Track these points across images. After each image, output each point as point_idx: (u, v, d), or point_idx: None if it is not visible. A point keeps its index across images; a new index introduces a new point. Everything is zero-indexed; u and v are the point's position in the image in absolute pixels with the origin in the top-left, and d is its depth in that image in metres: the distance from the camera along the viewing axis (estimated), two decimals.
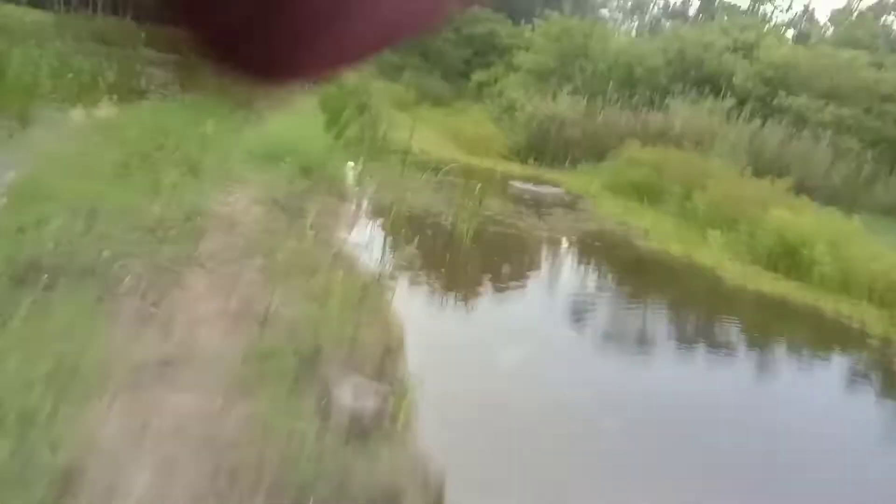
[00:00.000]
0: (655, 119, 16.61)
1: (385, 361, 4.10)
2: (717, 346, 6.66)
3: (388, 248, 7.56)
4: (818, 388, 6.08)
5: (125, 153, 6.15)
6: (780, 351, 6.87)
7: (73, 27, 24.27)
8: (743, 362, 6.35)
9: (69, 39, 16.77)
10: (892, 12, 28.31)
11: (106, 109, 6.61)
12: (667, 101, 17.54)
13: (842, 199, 13.94)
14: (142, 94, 12.42)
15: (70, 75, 11.71)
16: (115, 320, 3.70)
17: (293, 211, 6.81)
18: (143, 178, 5.77)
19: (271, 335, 3.78)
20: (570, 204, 12.13)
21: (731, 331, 7.24)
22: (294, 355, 3.60)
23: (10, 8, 23.42)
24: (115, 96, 7.82)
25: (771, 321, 7.67)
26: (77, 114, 6.65)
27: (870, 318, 7.78)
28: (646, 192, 13.00)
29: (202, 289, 4.32)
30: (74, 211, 4.66)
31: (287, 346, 3.67)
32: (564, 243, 9.79)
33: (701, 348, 6.50)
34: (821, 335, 7.42)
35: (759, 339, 7.03)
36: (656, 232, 10.73)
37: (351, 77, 23.45)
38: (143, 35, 22.48)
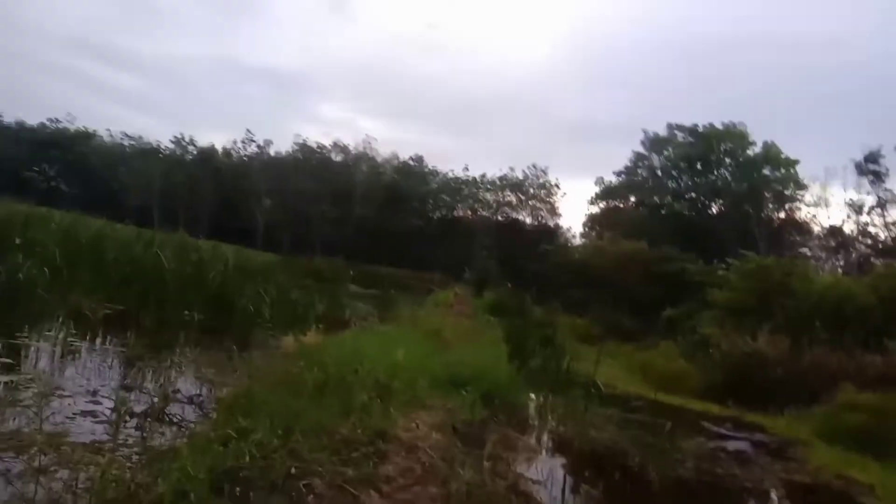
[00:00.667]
0: (873, 360, 15.03)
1: None
2: None
3: (568, 487, 7.16)
4: None
5: (324, 375, 6.63)
6: None
7: (295, 266, 28.01)
8: None
9: (289, 276, 19.15)
10: None
11: (313, 336, 7.29)
12: (885, 341, 15.94)
13: None
14: (345, 323, 13.59)
15: (286, 306, 13.27)
16: None
17: (472, 439, 6.78)
18: (336, 400, 6.13)
19: None
20: (777, 451, 10.91)
21: None
22: None
23: (250, 252, 27.46)
24: (321, 325, 8.66)
25: None
26: (288, 340, 7.39)
27: None
28: (868, 442, 11.43)
29: None
30: (273, 427, 5.00)
31: None
32: (772, 496, 8.66)
33: None
34: None
35: None
36: (884, 490, 9.21)
37: (537, 310, 24.11)
38: (350, 273, 25.32)
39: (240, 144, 75.09)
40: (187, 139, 74.32)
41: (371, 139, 73.31)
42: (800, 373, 15.50)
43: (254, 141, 74.53)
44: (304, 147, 73.20)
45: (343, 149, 73.13)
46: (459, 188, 73.56)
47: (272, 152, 74.83)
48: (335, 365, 7.02)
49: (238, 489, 4.13)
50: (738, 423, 13.51)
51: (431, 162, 76.59)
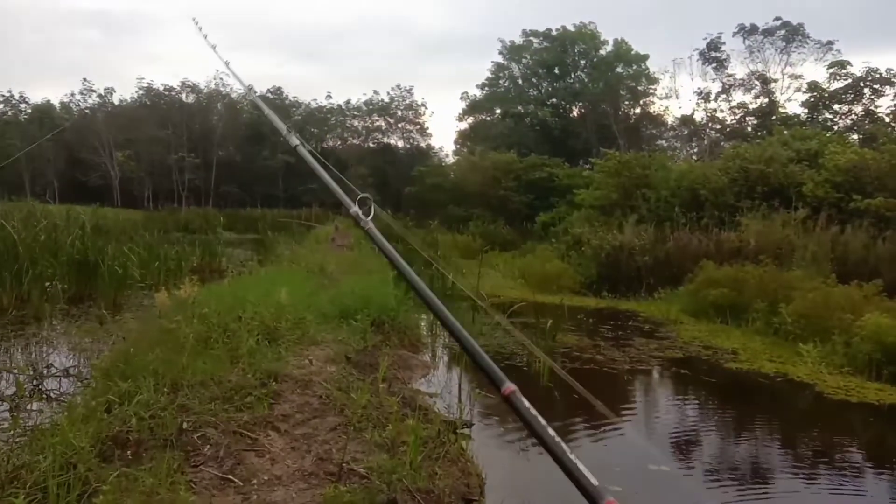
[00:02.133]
0: (728, 238, 16.37)
1: None
2: (836, 468, 6.07)
3: (463, 395, 7.47)
4: None
5: (205, 327, 6.46)
6: None
7: (160, 219, 26.76)
8: (870, 483, 5.76)
9: (156, 231, 18.26)
10: None
11: (188, 289, 7.03)
12: (737, 218, 17.36)
13: None
14: (222, 272, 13.21)
15: (156, 263, 12.68)
16: (195, 489, 3.74)
17: (366, 365, 6.89)
18: (222, 349, 6.01)
19: (347, 490, 3.72)
20: (650, 332, 11.82)
21: (847, 451, 6.64)
22: None
23: (108, 210, 25.81)
24: (196, 277, 8.38)
25: (887, 434, 7.01)
26: (162, 296, 7.09)
27: None
28: (728, 312, 12.59)
29: (277, 450, 4.34)
30: (158, 386, 4.86)
31: (363, 500, 3.59)
32: (649, 374, 9.43)
33: (820, 473, 5.93)
34: None
35: (880, 457, 6.40)
36: (745, 352, 10.26)
37: (418, 232, 24.37)
38: (221, 219, 24.40)
39: (79, 96, 68.92)
40: (17, 97, 67.43)
41: (223, 75, 69.18)
42: (665, 257, 16.69)
43: (93, 91, 68.53)
44: (150, 91, 68.02)
45: (193, 88, 68.65)
46: (325, 118, 71.60)
47: (116, 101, 69.25)
48: (216, 315, 6.84)
49: (129, 452, 4.02)
50: (614, 311, 14.47)
51: (292, 93, 73.91)
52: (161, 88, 68.02)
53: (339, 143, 71.83)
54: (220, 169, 63.36)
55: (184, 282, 7.28)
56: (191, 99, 68.51)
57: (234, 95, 69.71)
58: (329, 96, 72.20)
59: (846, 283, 11.57)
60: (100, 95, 68.64)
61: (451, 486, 4.10)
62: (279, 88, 71.69)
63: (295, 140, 2.96)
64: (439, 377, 8.24)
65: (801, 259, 13.94)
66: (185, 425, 4.43)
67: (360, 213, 2.24)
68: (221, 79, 69.55)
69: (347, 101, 71.36)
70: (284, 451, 4.35)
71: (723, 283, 13.09)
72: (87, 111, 67.59)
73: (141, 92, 68.01)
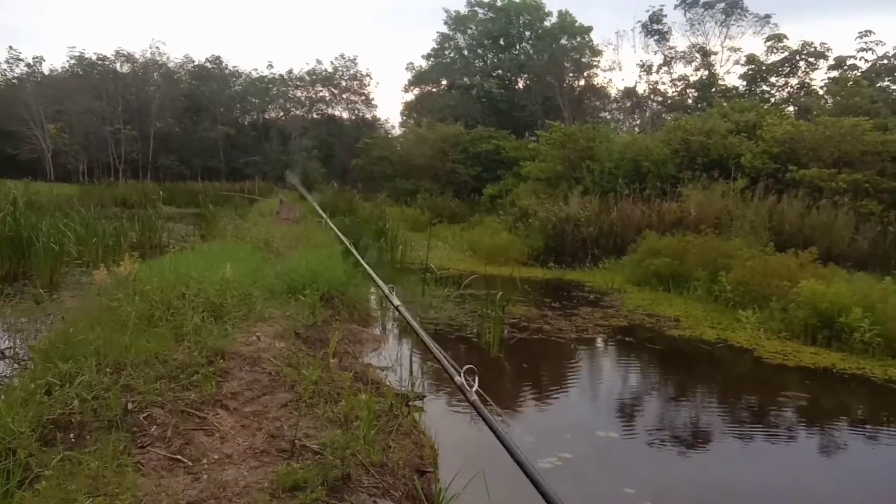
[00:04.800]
0: (670, 208, 16.73)
1: (417, 483, 3.96)
2: (773, 429, 6.33)
3: (414, 367, 7.49)
4: (887, 459, 5.71)
5: (147, 304, 6.27)
6: (839, 426, 6.51)
7: (97, 194, 25.77)
8: (804, 442, 6.03)
9: (93, 206, 17.62)
10: (886, 77, 28.95)
11: (128, 265, 6.79)
12: (678, 189, 17.74)
13: (872, 262, 13.71)
14: (163, 248, 12.87)
15: (94, 240, 12.24)
16: (143, 470, 3.65)
17: (316, 340, 6.82)
18: (166, 327, 5.85)
19: (300, 467, 3.69)
20: (596, 302, 12.04)
21: (783, 411, 6.93)
22: (322, 486, 3.49)
23: (41, 185, 24.80)
24: (136, 253, 8.11)
25: (821, 396, 7.33)
26: (101, 273, 6.84)
27: None
28: (670, 281, 12.91)
29: (227, 429, 4.27)
30: (100, 366, 4.71)
31: (316, 476, 3.57)
32: (595, 342, 9.62)
33: (758, 433, 6.17)
34: (876, 404, 7.06)
35: (814, 417, 6.70)
36: (687, 319, 10.56)
37: (366, 205, 24.20)
38: (161, 193, 23.63)
39: (4, 65, 65.52)
40: None
41: (159, 43, 66.69)
42: (609, 228, 16.97)
43: (21, 59, 65.22)
44: (82, 60, 65.03)
45: (129, 57, 65.88)
46: (267, 88, 69.82)
47: (46, 70, 66.06)
48: (158, 291, 6.64)
49: (72, 436, 3.90)
50: (561, 281, 14.69)
51: (232, 62, 71.75)
52: (94, 58, 65.17)
53: (281, 114, 70.31)
54: (158, 141, 61.34)
55: (123, 258, 7.02)
56: (126, 68, 65.77)
57: (171, 65, 67.43)
58: (270, 66, 70.57)
59: (783, 251, 11.99)
60: (28, 65, 65.46)
61: (405, 459, 4.12)
62: (218, 57, 69.55)
63: (396, 300, 3.01)
64: (390, 350, 8.24)
65: (739, 228, 14.37)
66: (130, 406, 4.32)
67: (464, 383, 2.33)
68: (157, 48, 67.17)
69: (290, 71, 69.83)
70: (234, 430, 4.29)
71: (665, 252, 13.39)
72: (14, 80, 64.36)
73: (73, 61, 65.06)
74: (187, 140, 63.09)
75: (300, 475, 3.57)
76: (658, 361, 8.84)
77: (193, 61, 69.10)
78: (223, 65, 69.57)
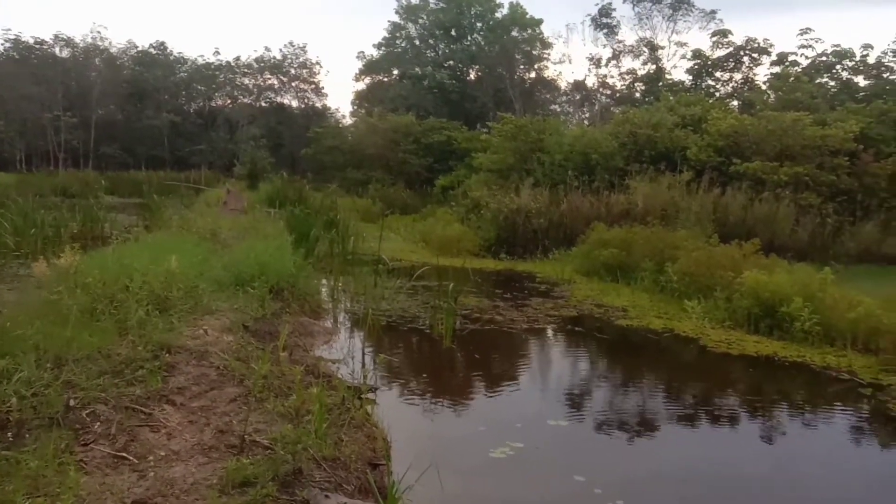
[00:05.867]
0: (618, 200, 16.99)
1: (369, 476, 3.94)
2: (717, 415, 6.51)
3: (366, 360, 7.44)
4: (824, 442, 5.94)
5: (90, 297, 6.07)
6: (779, 412, 6.73)
7: (36, 184, 24.81)
8: (746, 428, 6.21)
9: (30, 196, 16.99)
10: (825, 74, 29.92)
11: (69, 257, 6.56)
12: (626, 181, 18.02)
13: (811, 253, 14.21)
14: (105, 239, 12.48)
15: (33, 231, 11.79)
16: (86, 468, 3.54)
17: (266, 334, 6.72)
18: (109, 321, 5.67)
19: (250, 462, 3.63)
20: (546, 292, 12.16)
21: (727, 398, 7.13)
22: (273, 481, 3.44)
23: None
24: (77, 245, 7.81)
25: (763, 383, 7.56)
26: (40, 266, 6.59)
27: (857, 365, 7.75)
28: (618, 271, 13.13)
29: (174, 425, 4.17)
30: (40, 361, 4.55)
31: (266, 471, 3.51)
32: (546, 332, 9.73)
33: (702, 419, 6.35)
34: (814, 389, 7.32)
35: (756, 403, 6.90)
36: (634, 309, 10.75)
37: (316, 196, 23.93)
38: (103, 182, 22.84)
39: None
40: None
41: (101, 27, 64.45)
42: (559, 220, 17.15)
43: None
44: (18, 44, 62.35)
45: (69, 42, 63.47)
46: (213, 75, 68.14)
47: None
48: (101, 284, 6.43)
49: (10, 434, 3.76)
50: (512, 272, 14.80)
51: (177, 48, 69.84)
52: (31, 41, 62.56)
53: (228, 101, 68.74)
54: (99, 129, 59.35)
55: (64, 250, 6.78)
56: (65, 53, 63.37)
57: (113, 50, 65.28)
58: (217, 52, 68.88)
59: (727, 242, 12.30)
60: None
61: (358, 453, 4.09)
62: (163, 43, 67.56)
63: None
64: (342, 343, 8.17)
65: (685, 220, 14.70)
66: (71, 402, 4.19)
67: None
68: (99, 32, 64.93)
69: (237, 58, 68.20)
70: (181, 426, 4.19)
71: (613, 243, 13.60)
72: None
73: (8, 45, 62.27)
74: (130, 128, 61.19)
75: (250, 471, 3.52)
76: (606, 351, 8.99)
77: (137, 47, 67.03)
78: (168, 51, 67.64)
